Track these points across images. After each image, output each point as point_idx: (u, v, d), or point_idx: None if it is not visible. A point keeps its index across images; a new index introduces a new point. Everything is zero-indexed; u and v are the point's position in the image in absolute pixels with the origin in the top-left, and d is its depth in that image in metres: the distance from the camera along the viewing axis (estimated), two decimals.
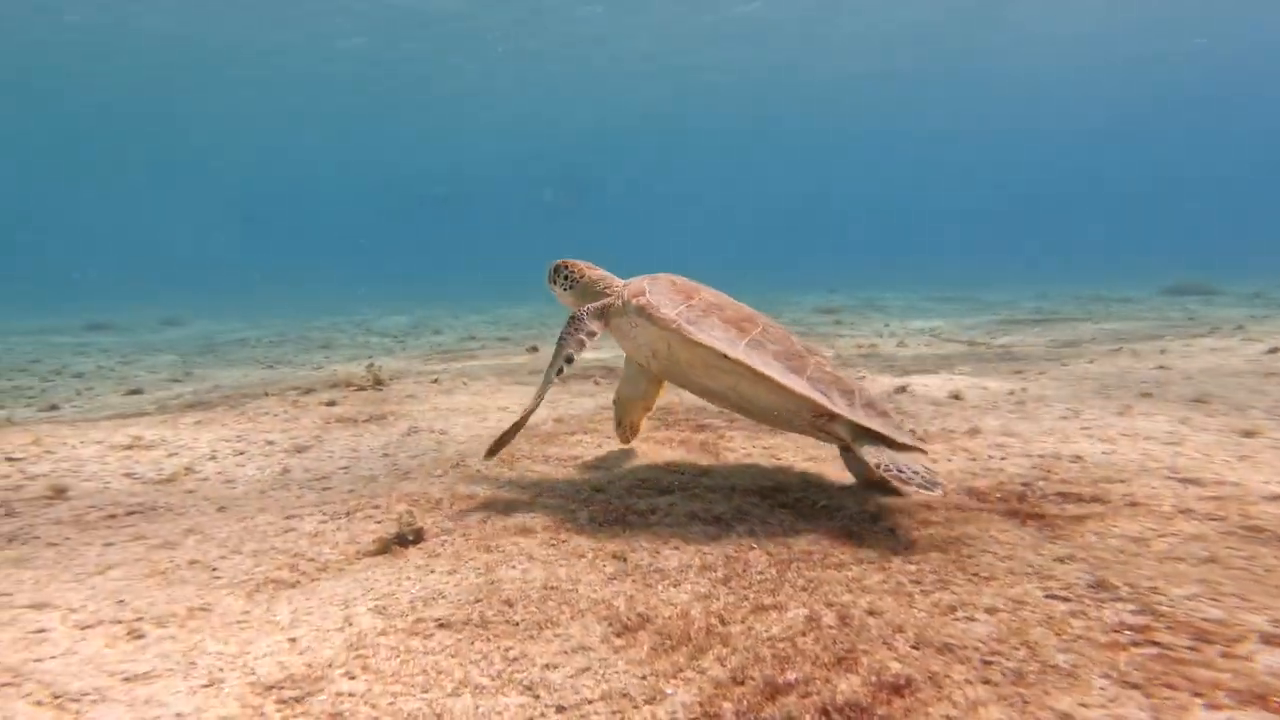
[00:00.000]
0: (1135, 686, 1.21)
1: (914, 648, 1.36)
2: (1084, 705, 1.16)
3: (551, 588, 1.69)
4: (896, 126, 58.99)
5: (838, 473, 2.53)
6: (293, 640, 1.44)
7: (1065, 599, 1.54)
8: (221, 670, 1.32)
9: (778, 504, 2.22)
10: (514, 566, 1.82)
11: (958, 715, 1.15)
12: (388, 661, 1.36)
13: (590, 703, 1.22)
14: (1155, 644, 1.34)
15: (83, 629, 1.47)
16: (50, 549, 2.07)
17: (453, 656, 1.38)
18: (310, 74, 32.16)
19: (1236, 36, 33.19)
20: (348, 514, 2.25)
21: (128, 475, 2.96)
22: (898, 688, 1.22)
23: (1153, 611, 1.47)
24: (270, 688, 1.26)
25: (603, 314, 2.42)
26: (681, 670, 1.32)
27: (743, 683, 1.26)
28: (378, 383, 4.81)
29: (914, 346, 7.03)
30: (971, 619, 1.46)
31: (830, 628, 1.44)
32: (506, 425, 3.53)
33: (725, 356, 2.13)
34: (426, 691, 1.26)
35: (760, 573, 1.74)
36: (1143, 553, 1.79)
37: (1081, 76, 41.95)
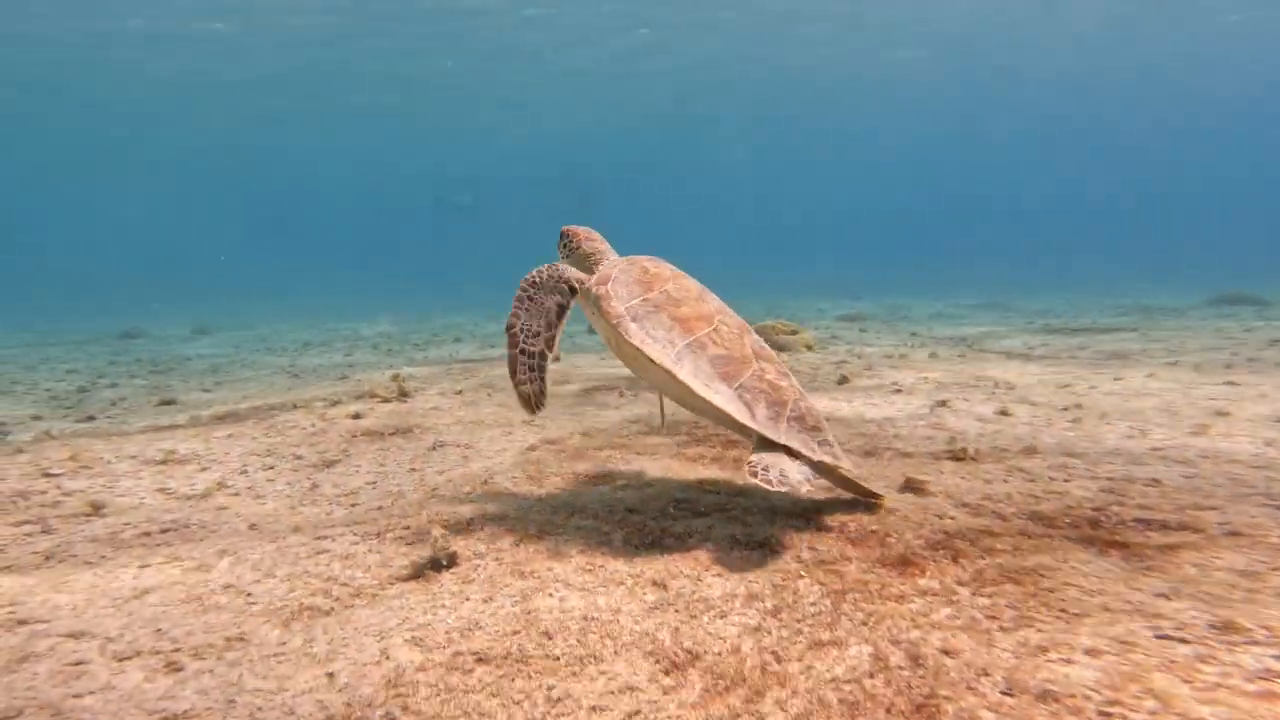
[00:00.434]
0: None
1: (1006, 694, 1.25)
2: None
3: (591, 618, 1.62)
4: (915, 127, 58.36)
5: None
6: (330, 676, 1.40)
7: (1183, 640, 1.41)
8: (261, 710, 1.27)
9: (823, 528, 2.13)
10: (551, 594, 1.75)
11: None
12: (428, 701, 1.30)
13: None
14: None
15: (120, 660, 1.44)
16: (87, 570, 2.06)
17: (494, 696, 1.32)
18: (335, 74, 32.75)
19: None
20: (378, 535, 2.21)
21: (161, 491, 2.97)
22: None
23: None
24: None
25: (563, 280, 2.34)
26: (739, 716, 1.24)
27: None
28: (403, 394, 4.81)
29: (947, 358, 6.85)
30: (1070, 661, 1.34)
31: (901, 669, 1.35)
32: (533, 439, 3.52)
33: (653, 361, 2.10)
34: None
35: (813, 604, 1.65)
36: (1260, 589, 1.65)
37: (1110, 79, 41.11)
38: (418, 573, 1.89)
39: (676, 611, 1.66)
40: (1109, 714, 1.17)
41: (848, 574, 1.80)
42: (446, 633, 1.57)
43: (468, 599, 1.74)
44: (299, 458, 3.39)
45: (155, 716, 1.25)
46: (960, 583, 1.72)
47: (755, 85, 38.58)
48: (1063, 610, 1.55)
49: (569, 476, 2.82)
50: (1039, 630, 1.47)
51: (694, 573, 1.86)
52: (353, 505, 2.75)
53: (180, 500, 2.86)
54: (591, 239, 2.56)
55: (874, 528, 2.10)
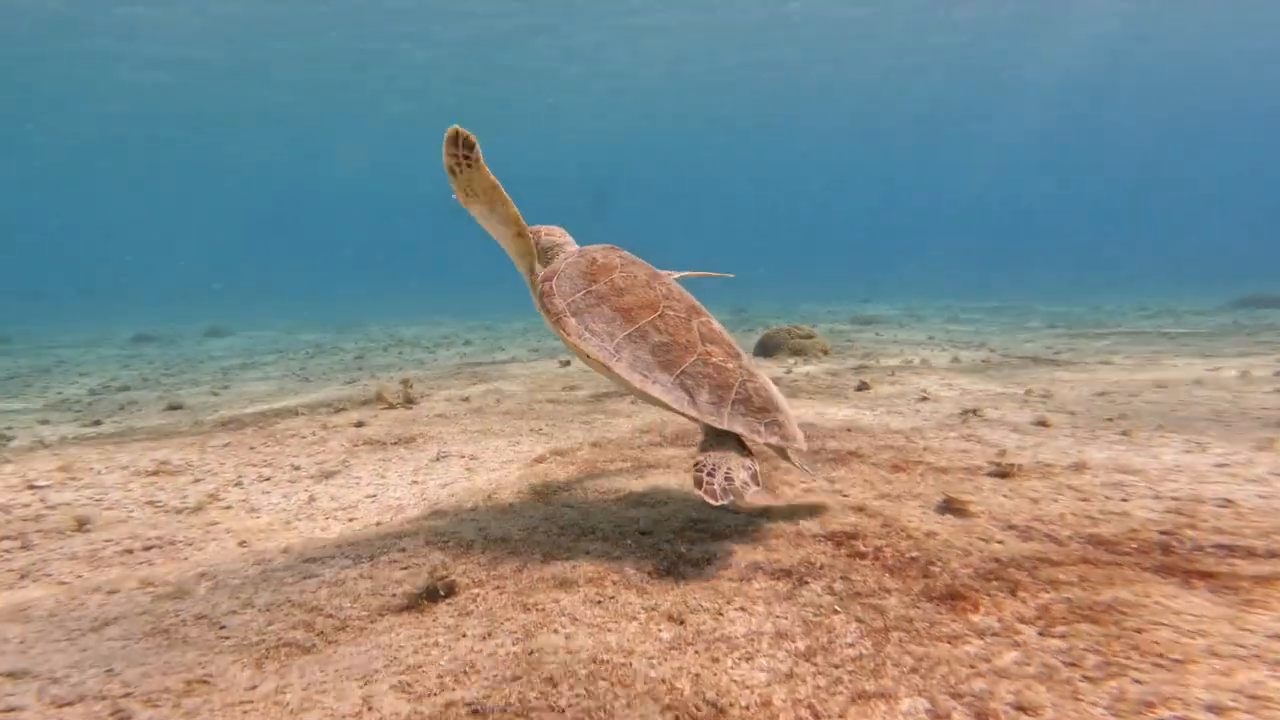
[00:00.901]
0: None
1: None
2: None
3: (601, 661, 1.43)
4: (934, 127, 57.73)
5: (922, 515, 2.22)
6: None
7: None
8: None
9: (855, 554, 1.92)
10: (556, 631, 1.57)
11: None
12: None
13: None
14: None
15: (60, 707, 1.27)
16: (60, 589, 1.91)
17: None
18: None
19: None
20: (371, 558, 2.04)
21: (151, 504, 2.83)
22: None
23: None
24: None
25: (531, 282, 2.33)
26: None
27: None
28: (409, 401, 4.66)
29: (971, 363, 6.58)
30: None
31: None
32: (540, 450, 3.34)
33: (589, 355, 2.05)
34: None
35: (851, 645, 1.45)
36: None
37: (1123, 79, 40.35)
38: (412, 603, 1.72)
39: (696, 653, 1.47)
40: None
41: (889, 609, 1.60)
42: (439, 677, 1.39)
43: (464, 635, 1.56)
44: (297, 468, 3.24)
45: None
46: (1023, 620, 1.50)
47: (759, 86, 38.38)
48: (1159, 655, 1.33)
49: (577, 492, 2.64)
50: (1137, 681, 1.25)
51: (714, 606, 1.67)
52: (350, 520, 2.59)
53: (169, 514, 2.71)
54: (551, 234, 2.51)
55: (913, 554, 1.89)
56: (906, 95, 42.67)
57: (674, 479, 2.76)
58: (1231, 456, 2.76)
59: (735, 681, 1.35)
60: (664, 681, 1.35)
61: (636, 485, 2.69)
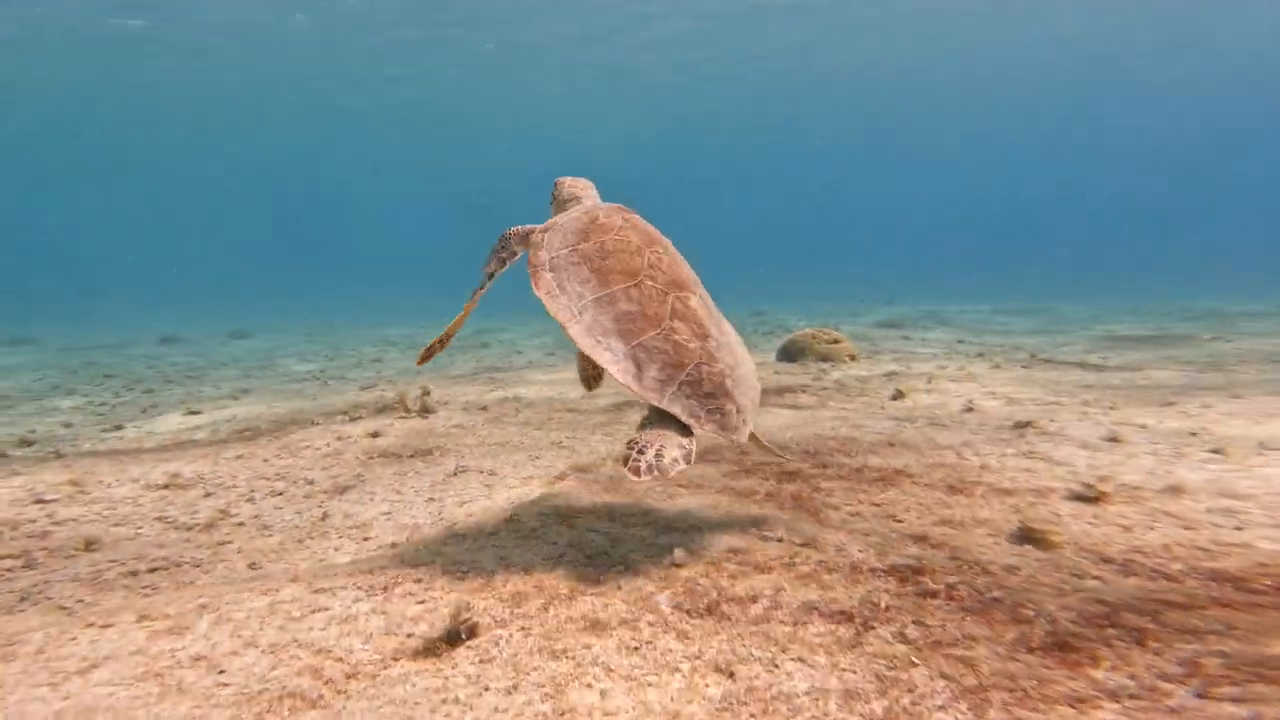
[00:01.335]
0: None
1: None
2: None
3: None
4: (951, 127, 56.73)
5: (995, 545, 1.99)
6: None
7: None
8: None
9: (924, 592, 1.71)
10: (589, 685, 1.39)
11: None
12: None
13: None
14: None
15: None
16: (60, 614, 1.79)
17: None
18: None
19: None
20: (385, 589, 1.88)
21: (160, 519, 2.72)
22: None
23: None
24: None
25: (527, 238, 2.28)
26: None
27: None
28: (425, 410, 4.54)
29: (1011, 369, 6.27)
30: None
31: None
32: (562, 465, 3.17)
33: (553, 315, 2.00)
34: None
35: (943, 709, 1.24)
36: None
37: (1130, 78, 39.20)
38: (429, 647, 1.55)
39: (751, 715, 1.28)
40: None
41: (980, 662, 1.39)
42: None
43: (487, 688, 1.39)
44: (311, 482, 3.12)
45: None
46: (1165, 678, 1.27)
47: (763, 89, 37.99)
48: None
49: (603, 514, 2.46)
50: None
51: (767, 654, 1.48)
52: (364, 539, 2.45)
53: (179, 531, 2.59)
54: (574, 186, 2.48)
55: (995, 593, 1.67)
56: (909, 95, 41.97)
57: (705, 500, 2.56)
58: None
59: None
60: None
61: (665, 508, 2.50)
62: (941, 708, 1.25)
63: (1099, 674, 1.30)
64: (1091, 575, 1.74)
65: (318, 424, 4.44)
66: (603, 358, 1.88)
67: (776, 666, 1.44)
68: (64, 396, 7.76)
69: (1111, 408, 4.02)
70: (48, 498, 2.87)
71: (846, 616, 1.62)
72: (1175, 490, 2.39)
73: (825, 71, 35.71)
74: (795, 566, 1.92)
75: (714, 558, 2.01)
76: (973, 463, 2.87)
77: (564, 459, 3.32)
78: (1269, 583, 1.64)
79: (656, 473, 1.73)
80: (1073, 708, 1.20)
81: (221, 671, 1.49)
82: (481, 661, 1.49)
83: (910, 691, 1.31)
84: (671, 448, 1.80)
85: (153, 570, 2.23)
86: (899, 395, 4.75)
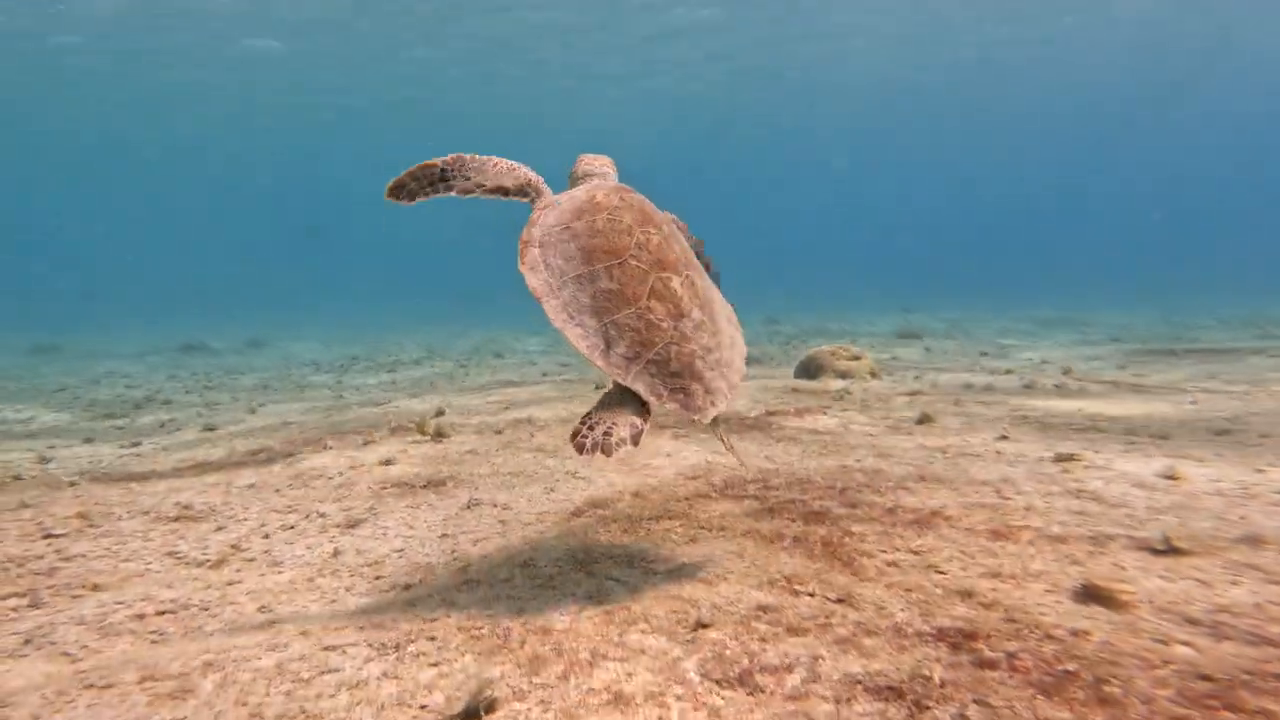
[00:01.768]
0: None
1: None
2: None
3: None
4: (961, 127, 56.06)
5: (1057, 605, 1.82)
6: None
7: None
8: None
9: (982, 662, 1.57)
10: None
11: None
12: None
13: None
14: None
15: None
16: (63, 662, 1.72)
17: None
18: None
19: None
20: (397, 647, 1.79)
21: (171, 555, 2.66)
22: None
23: None
24: None
25: (533, 202, 2.27)
26: None
27: None
28: (439, 434, 4.47)
29: (1045, 390, 6.06)
30: None
31: None
32: (578, 499, 3.06)
33: (531, 290, 1.98)
34: None
35: None
36: None
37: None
38: None
39: None
40: None
41: None
42: None
43: None
44: (323, 515, 3.05)
45: None
46: None
47: (769, 90, 37.79)
48: None
49: (622, 560, 2.35)
50: None
51: None
52: (376, 578, 2.37)
53: (189, 568, 2.53)
54: (591, 163, 2.46)
55: (1068, 665, 1.53)
56: (911, 96, 41.51)
57: (730, 546, 2.45)
58: None
59: None
60: None
61: (688, 554, 2.39)
62: None
63: None
64: (1178, 641, 1.58)
65: (331, 447, 4.39)
66: (573, 333, 1.88)
67: None
68: (85, 408, 7.84)
69: (1161, 438, 3.82)
70: (56, 532, 2.83)
71: (896, 693, 1.49)
72: (1256, 542, 2.19)
73: (851, 76, 35.50)
74: (832, 628, 1.79)
75: (742, 615, 1.89)
76: (1016, 503, 2.71)
77: (579, 491, 3.22)
78: None
79: (600, 450, 1.76)
80: None
81: None
82: None
83: None
84: (622, 427, 1.82)
85: (160, 613, 2.16)
86: (925, 419, 4.59)
